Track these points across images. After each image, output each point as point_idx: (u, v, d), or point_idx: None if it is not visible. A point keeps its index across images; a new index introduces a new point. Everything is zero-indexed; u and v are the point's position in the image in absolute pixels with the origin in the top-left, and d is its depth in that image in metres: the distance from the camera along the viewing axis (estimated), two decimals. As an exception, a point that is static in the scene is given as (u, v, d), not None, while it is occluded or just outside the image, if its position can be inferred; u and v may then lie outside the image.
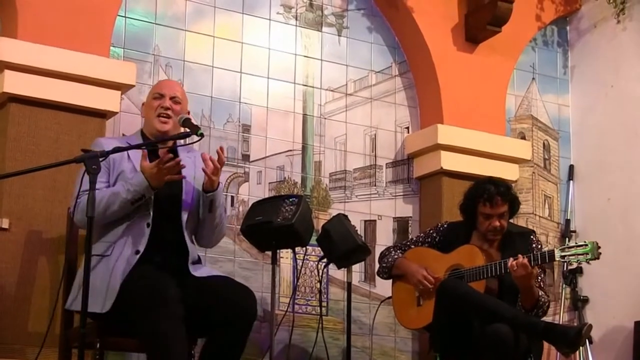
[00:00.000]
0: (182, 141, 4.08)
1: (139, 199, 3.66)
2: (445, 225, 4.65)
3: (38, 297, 4.27)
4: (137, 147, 3.72)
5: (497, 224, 4.39)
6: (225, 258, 5.01)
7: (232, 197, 5.12)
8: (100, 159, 3.36)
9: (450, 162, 5.49)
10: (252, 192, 5.18)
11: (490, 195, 4.37)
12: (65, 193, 4.33)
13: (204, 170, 3.74)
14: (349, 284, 4.73)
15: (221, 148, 3.79)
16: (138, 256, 3.65)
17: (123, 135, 4.73)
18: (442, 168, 5.47)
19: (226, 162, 4.85)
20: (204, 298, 3.63)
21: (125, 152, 3.78)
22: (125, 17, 4.95)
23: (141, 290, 3.50)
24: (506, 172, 5.42)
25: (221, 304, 3.62)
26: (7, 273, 4.25)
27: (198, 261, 3.85)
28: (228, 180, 5.12)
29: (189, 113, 3.95)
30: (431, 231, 4.65)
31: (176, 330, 3.43)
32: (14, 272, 4.27)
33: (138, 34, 4.99)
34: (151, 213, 3.72)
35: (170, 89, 3.95)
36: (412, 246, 4.66)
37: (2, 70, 4.39)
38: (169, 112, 3.86)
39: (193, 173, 3.83)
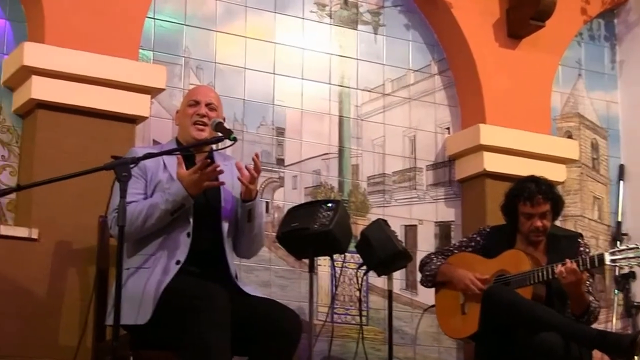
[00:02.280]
0: (215, 146, 4.06)
1: (178, 209, 3.65)
2: (488, 229, 4.62)
3: (69, 310, 4.28)
4: (169, 152, 3.72)
5: (539, 224, 4.36)
6: (261, 267, 5.00)
7: (267, 203, 5.11)
8: (131, 166, 3.36)
9: (493, 163, 5.46)
10: (287, 197, 5.18)
11: (530, 193, 4.35)
12: (95, 201, 4.27)
13: (239, 179, 3.73)
14: (390, 292, 4.72)
15: (257, 155, 3.78)
16: (178, 266, 3.65)
17: (154, 141, 4.79)
18: (485, 170, 5.45)
19: (261, 168, 4.86)
20: (249, 314, 3.61)
21: (161, 162, 3.79)
22: (154, 18, 4.97)
23: (186, 296, 3.48)
24: (553, 173, 5.37)
25: (266, 323, 3.59)
26: (36, 285, 4.27)
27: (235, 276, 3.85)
28: (262, 186, 5.12)
29: (224, 119, 3.94)
30: (474, 235, 4.62)
31: (222, 340, 3.40)
32: (44, 283, 4.28)
33: (167, 36, 5.01)
34: (191, 222, 3.72)
35: (206, 95, 3.95)
36: (455, 252, 4.63)
37: (30, 76, 4.41)
38: (205, 120, 3.86)
39: (231, 181, 3.82)
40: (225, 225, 3.79)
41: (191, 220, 3.71)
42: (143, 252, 3.71)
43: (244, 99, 5.16)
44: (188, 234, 3.70)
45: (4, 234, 4.27)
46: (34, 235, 4.30)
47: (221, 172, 3.66)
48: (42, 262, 4.30)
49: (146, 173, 3.79)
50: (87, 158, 4.37)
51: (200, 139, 3.84)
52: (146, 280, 3.61)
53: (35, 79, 4.41)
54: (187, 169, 3.67)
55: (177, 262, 3.65)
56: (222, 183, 3.72)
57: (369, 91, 5.53)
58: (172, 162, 3.73)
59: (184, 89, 4.93)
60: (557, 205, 4.44)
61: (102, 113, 4.52)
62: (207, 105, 3.90)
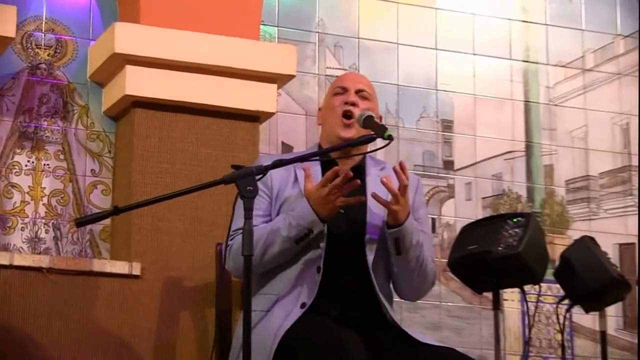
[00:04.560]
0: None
1: (304, 236, 3.62)
2: None
3: (183, 364, 4.55)
4: (300, 159, 3.65)
5: None
6: (428, 304, 5.01)
7: (433, 220, 5.12)
8: (257, 177, 3.29)
9: None
10: (459, 211, 5.23)
11: None
12: (211, 225, 4.41)
13: (374, 197, 3.64)
14: (603, 333, 4.64)
15: (401, 165, 3.66)
16: (303, 310, 3.62)
17: (283, 145, 4.92)
18: None
19: (424, 173, 5.11)
20: None
21: (292, 174, 3.78)
22: (276, -15, 5.02)
23: (309, 347, 3.43)
24: None
25: None
26: (142, 333, 4.30)
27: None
28: (427, 197, 5.12)
29: (380, 118, 3.87)
30: None
31: None
32: (151, 332, 4.32)
33: (296, 7, 5.11)
34: (322, 254, 3.67)
35: (354, 81, 3.94)
36: (693, 277, 4.48)
37: (123, 67, 4.46)
38: (356, 110, 3.80)
39: (385, 197, 3.70)
40: (371, 256, 3.73)
41: (322, 250, 3.68)
42: (265, 290, 3.73)
43: (397, 85, 5.21)
44: (318, 269, 3.67)
45: (98, 271, 4.31)
46: (136, 271, 4.34)
47: (356, 184, 3.57)
48: (146, 305, 4.33)
49: (271, 189, 3.79)
50: (199, 169, 4.46)
51: (347, 137, 3.77)
52: (269, 328, 3.58)
53: (130, 69, 4.45)
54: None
55: (303, 305, 3.63)
56: (360, 200, 3.65)
57: (563, 67, 5.55)
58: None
59: (319, 75, 5.04)
60: None
61: (216, 110, 4.56)
62: (358, 92, 3.85)
